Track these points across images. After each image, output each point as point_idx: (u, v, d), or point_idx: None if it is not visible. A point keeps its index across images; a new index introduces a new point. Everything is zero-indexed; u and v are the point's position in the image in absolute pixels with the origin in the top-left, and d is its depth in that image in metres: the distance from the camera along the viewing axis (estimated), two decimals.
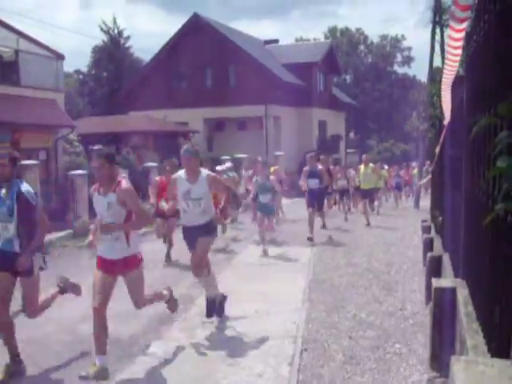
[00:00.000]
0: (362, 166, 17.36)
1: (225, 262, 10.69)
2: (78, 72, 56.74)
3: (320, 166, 13.78)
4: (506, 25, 2.44)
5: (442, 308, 4.59)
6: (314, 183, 13.08)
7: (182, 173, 6.76)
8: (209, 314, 6.85)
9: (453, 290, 4.40)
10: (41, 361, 5.72)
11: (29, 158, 15.46)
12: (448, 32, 4.14)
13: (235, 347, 5.96)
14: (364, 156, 18.04)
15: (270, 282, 8.92)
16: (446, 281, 4.95)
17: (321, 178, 13.21)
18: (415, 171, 30.55)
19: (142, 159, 23.23)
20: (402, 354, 5.59)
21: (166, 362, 5.62)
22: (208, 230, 6.74)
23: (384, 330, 6.33)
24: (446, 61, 4.71)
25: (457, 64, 4.35)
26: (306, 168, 13.48)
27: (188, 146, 6.83)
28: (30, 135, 19.05)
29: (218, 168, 14.78)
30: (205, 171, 6.79)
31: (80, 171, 15.69)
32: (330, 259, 10.77)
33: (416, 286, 8.27)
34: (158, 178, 11.69)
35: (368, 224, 15.70)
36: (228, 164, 17.31)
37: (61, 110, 21.56)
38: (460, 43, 3.94)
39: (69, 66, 56.63)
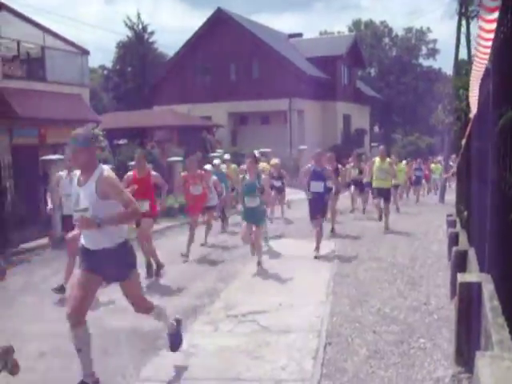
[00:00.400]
0: (377, 159, 14.42)
1: (248, 256, 10.71)
2: (102, 67, 57.11)
3: (328, 167, 12.06)
4: None
5: (467, 303, 4.55)
6: (318, 186, 10.78)
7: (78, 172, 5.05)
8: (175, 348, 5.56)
9: (478, 285, 4.36)
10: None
11: (54, 153, 15.61)
12: (478, 23, 4.06)
13: (259, 340, 5.97)
14: (381, 147, 15.04)
15: (294, 275, 8.91)
16: (472, 275, 4.90)
17: (325, 179, 11.00)
18: (437, 165, 30.25)
19: (167, 154, 23.33)
20: (427, 348, 5.55)
21: (190, 354, 5.65)
22: (122, 259, 4.92)
23: (408, 325, 6.29)
24: (476, 53, 4.63)
25: (487, 56, 4.28)
26: (309, 167, 11.14)
27: (79, 131, 4.89)
28: (56, 130, 19.22)
29: (207, 167, 13.20)
30: (101, 168, 4.91)
31: (105, 165, 15.81)
32: (353, 253, 10.73)
33: (441, 281, 8.20)
34: (183, 174, 11.76)
35: (387, 228, 13.46)
36: (224, 157, 17.03)
37: (86, 105, 21.75)
38: (491, 35, 3.85)
39: (94, 62, 57.27)
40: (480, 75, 5.03)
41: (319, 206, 10.70)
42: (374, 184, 13.97)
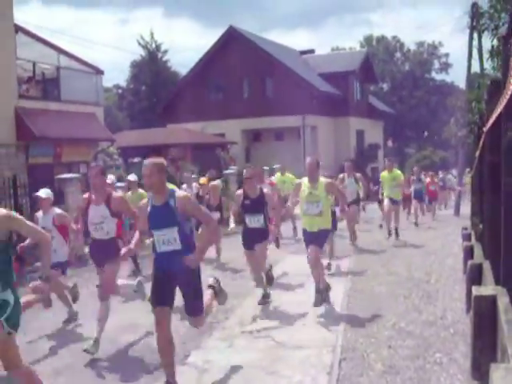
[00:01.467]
0: (385, 173, 14.68)
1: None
2: (116, 86, 57.70)
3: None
4: None
5: (483, 316, 4.51)
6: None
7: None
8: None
9: (493, 298, 4.33)
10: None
11: (69, 172, 15.78)
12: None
13: (274, 356, 5.96)
14: (386, 160, 15.47)
15: (308, 292, 8.87)
16: (487, 289, 4.87)
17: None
18: (450, 177, 30.20)
19: (181, 171, 23.43)
20: (443, 363, 5.51)
21: (205, 371, 5.65)
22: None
23: (424, 340, 6.25)
24: None
25: None
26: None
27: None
28: (71, 149, 19.47)
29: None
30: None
31: (120, 183, 15.91)
32: (368, 268, 10.68)
33: (457, 295, 8.14)
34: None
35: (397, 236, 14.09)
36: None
37: (100, 123, 21.97)
38: None
39: (108, 81, 57.84)
40: None
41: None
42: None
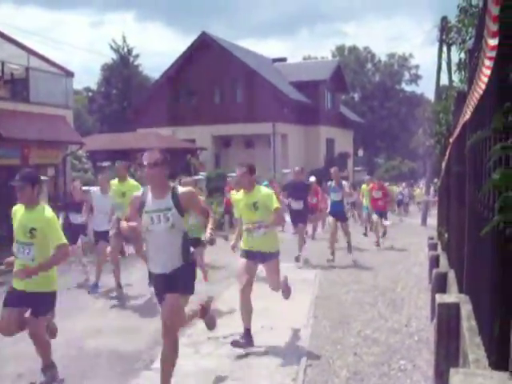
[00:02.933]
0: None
1: (230, 279, 10.68)
2: (87, 89, 57.26)
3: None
4: (502, 42, 2.48)
5: (446, 323, 4.58)
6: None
7: None
8: None
9: (456, 306, 4.40)
10: None
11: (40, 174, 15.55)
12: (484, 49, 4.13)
13: (240, 362, 5.96)
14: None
15: (275, 298, 8.87)
16: (450, 296, 4.94)
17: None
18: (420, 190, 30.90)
19: None
20: (407, 370, 5.58)
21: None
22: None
23: (389, 347, 6.32)
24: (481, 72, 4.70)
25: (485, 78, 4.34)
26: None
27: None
28: (39, 151, 19.19)
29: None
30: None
31: (88, 187, 15.76)
32: (335, 276, 10.77)
33: (422, 303, 8.26)
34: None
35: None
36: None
37: (70, 126, 21.73)
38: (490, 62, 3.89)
39: (78, 84, 57.18)
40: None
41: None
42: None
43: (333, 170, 13.25)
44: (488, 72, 2.59)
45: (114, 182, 9.88)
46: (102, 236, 9.96)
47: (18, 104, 19.24)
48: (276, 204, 6.53)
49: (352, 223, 20.31)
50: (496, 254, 2.72)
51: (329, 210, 13.39)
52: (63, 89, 21.80)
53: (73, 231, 10.40)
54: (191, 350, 6.44)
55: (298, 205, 12.39)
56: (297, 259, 11.86)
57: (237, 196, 7.08)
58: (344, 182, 13.12)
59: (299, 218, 12.46)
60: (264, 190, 6.74)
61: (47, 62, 20.98)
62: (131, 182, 9.81)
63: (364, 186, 17.31)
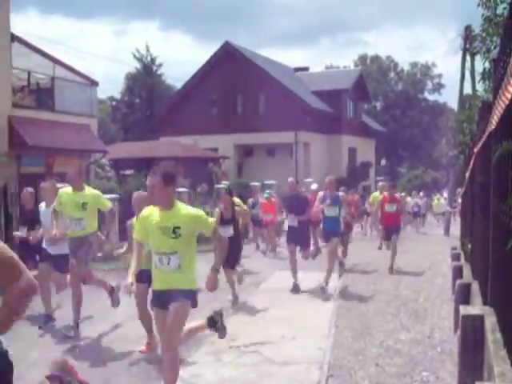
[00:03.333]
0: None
1: (252, 287, 10.69)
2: (111, 98, 57.78)
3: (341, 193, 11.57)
4: None
5: (470, 335, 4.54)
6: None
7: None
8: None
9: (480, 318, 4.35)
10: None
11: (61, 182, 15.72)
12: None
13: (261, 371, 5.95)
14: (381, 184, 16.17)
15: (297, 308, 8.90)
16: (474, 308, 4.90)
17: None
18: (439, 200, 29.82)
19: None
20: (429, 381, 5.53)
21: None
22: None
23: (411, 358, 6.26)
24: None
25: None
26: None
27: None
28: (63, 159, 19.40)
29: None
30: None
31: (111, 195, 15.90)
32: (357, 286, 10.70)
33: (445, 314, 8.17)
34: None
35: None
36: None
37: (94, 135, 21.96)
38: None
39: (102, 93, 57.69)
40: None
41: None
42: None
43: (327, 179, 11.03)
44: None
45: (66, 190, 7.91)
46: (54, 262, 7.99)
47: (43, 113, 19.50)
48: (211, 226, 5.26)
49: (361, 236, 20.17)
50: None
51: (322, 227, 11.13)
52: (88, 98, 22.06)
53: (26, 249, 8.63)
54: (212, 358, 6.45)
55: (292, 221, 10.80)
56: (322, 290, 10.19)
57: (146, 213, 5.20)
58: (341, 193, 11.51)
59: (296, 237, 10.75)
60: (188, 210, 5.10)
61: (72, 72, 21.27)
62: (90, 190, 8.03)
63: (375, 194, 16.62)
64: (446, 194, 30.47)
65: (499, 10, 8.52)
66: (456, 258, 10.17)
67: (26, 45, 19.19)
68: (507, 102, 3.10)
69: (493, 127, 4.30)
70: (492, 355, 3.44)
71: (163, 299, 4.91)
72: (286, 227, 12.31)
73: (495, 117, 4.17)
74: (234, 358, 6.48)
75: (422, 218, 26.94)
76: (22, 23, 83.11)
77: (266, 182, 23.97)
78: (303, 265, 12.95)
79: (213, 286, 5.42)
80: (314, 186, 14.61)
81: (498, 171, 3.85)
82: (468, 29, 21.36)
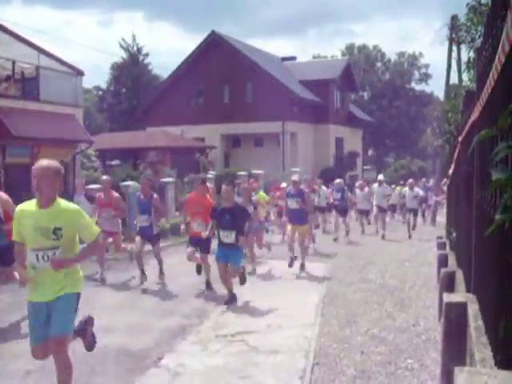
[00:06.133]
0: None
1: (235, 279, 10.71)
2: (97, 88, 57.43)
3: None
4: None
5: (453, 323, 4.58)
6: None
7: None
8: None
9: (463, 305, 4.39)
10: None
11: None
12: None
13: (247, 360, 5.98)
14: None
15: (283, 297, 8.93)
16: (457, 296, 4.94)
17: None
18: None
19: (159, 174, 23.40)
20: (414, 369, 5.58)
21: (178, 374, 5.65)
22: None
23: (396, 346, 6.32)
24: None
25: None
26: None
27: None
28: (49, 149, 19.27)
29: None
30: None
31: (97, 185, 15.83)
32: (343, 275, 10.77)
33: (429, 302, 8.24)
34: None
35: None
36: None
37: (79, 125, 21.81)
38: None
39: (88, 83, 57.51)
40: None
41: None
42: None
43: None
44: (497, 71, 2.60)
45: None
46: None
47: (28, 103, 19.34)
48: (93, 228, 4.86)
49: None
50: (501, 254, 2.73)
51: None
52: (73, 87, 21.88)
53: None
54: (198, 348, 6.47)
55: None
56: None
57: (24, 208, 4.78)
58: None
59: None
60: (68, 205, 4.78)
61: (57, 61, 21.08)
62: None
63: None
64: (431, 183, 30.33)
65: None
66: (441, 246, 10.23)
67: (10, 34, 18.98)
68: (489, 91, 3.12)
69: (476, 116, 4.33)
70: (474, 342, 3.48)
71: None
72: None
73: (478, 106, 4.19)
74: (220, 347, 6.50)
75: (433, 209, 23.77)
76: (6, 13, 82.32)
77: (254, 171, 23.97)
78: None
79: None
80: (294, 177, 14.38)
81: (479, 159, 3.88)
82: (454, 18, 21.43)
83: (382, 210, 17.79)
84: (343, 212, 16.75)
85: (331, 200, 17.03)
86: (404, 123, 62.75)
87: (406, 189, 19.34)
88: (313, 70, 38.75)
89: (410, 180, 20.17)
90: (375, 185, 19.74)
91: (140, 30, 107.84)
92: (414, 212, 18.96)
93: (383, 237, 16.90)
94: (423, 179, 29.05)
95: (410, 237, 17.49)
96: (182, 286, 10.05)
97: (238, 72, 33.74)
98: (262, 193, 14.40)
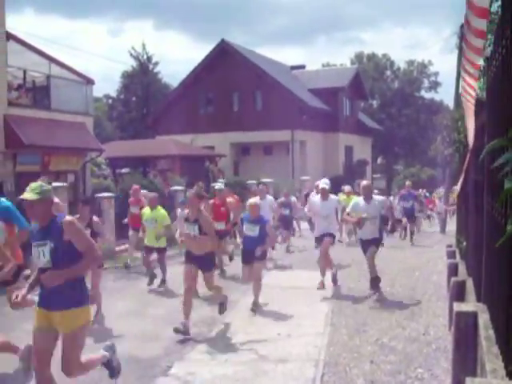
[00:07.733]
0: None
1: (246, 286, 10.69)
2: (107, 97, 57.70)
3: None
4: None
5: (464, 332, 4.55)
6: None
7: None
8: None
9: (474, 314, 4.37)
10: None
11: (57, 180, 15.70)
12: (464, 58, 4.18)
13: (256, 369, 5.96)
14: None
15: (293, 306, 8.91)
16: (468, 305, 4.91)
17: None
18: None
19: (169, 183, 23.45)
20: (424, 379, 5.54)
21: (187, 382, 5.65)
22: None
23: (406, 355, 6.28)
24: (465, 86, 4.74)
25: (472, 91, 4.37)
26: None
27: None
28: (59, 158, 19.41)
29: None
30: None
31: (107, 194, 15.90)
32: (353, 283, 10.72)
33: (440, 311, 8.19)
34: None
35: None
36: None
37: (90, 133, 21.93)
38: (475, 70, 3.94)
39: (98, 91, 57.77)
40: (472, 107, 5.12)
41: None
42: None
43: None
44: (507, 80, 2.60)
45: None
46: None
47: (39, 111, 19.46)
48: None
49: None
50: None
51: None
52: (83, 96, 22.02)
53: None
54: (208, 357, 6.47)
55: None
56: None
57: None
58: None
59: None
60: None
61: (68, 70, 21.22)
62: None
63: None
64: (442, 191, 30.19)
65: (494, 8, 8.52)
66: (451, 255, 10.18)
67: (21, 43, 19.14)
68: (499, 100, 3.11)
69: (486, 125, 4.32)
70: (485, 352, 3.46)
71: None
72: None
73: (489, 115, 4.19)
74: (230, 356, 6.49)
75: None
76: (18, 22, 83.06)
77: (263, 180, 23.96)
78: (302, 264, 13.00)
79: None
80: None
81: (490, 168, 3.86)
82: (463, 27, 21.36)
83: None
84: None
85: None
86: (413, 131, 62.57)
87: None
88: (322, 79, 38.78)
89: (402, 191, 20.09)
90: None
91: (150, 39, 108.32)
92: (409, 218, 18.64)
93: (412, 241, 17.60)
94: (420, 190, 29.01)
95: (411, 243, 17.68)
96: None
97: (248, 80, 33.81)
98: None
